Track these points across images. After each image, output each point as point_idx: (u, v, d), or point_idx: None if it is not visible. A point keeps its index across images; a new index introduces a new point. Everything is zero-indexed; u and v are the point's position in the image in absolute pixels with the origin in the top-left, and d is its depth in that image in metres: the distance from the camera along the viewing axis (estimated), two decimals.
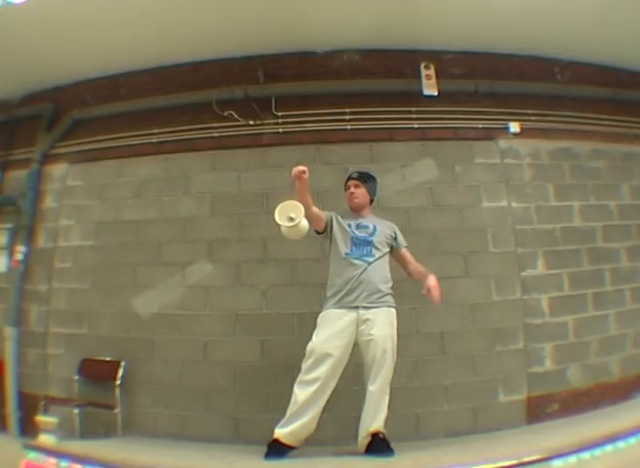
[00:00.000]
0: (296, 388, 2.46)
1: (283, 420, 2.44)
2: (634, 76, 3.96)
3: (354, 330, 2.50)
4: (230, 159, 3.53)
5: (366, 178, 2.80)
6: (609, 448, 2.00)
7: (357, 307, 2.52)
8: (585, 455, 1.95)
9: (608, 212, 3.61)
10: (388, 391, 2.45)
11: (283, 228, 2.43)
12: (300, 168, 2.43)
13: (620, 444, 2.03)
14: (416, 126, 3.51)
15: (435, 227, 3.35)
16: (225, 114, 3.57)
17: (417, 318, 3.17)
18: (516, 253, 3.36)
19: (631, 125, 3.80)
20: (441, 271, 3.24)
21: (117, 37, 3.40)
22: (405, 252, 2.78)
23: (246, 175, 3.50)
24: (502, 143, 3.56)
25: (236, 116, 3.57)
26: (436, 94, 3.56)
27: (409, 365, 3.07)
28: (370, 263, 2.59)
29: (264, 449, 2.43)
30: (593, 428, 2.51)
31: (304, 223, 2.43)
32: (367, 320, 2.48)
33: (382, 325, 2.49)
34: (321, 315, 2.60)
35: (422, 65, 3.61)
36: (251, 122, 3.57)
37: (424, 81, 3.58)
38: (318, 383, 2.41)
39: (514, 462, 1.92)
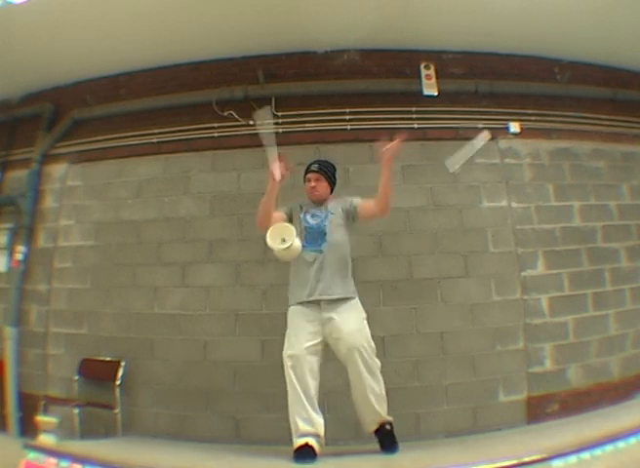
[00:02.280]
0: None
1: (294, 434, 2.34)
2: (634, 76, 3.96)
3: (320, 328, 2.41)
4: (230, 159, 3.53)
5: (327, 170, 2.67)
6: (609, 448, 1.99)
7: (319, 302, 2.43)
8: (585, 455, 1.94)
9: (608, 212, 3.61)
10: (380, 378, 2.37)
11: (276, 250, 2.42)
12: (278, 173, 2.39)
13: (620, 444, 2.02)
14: (416, 126, 3.51)
15: (435, 227, 3.35)
16: (225, 114, 3.58)
17: (417, 318, 3.17)
18: (516, 253, 3.36)
19: (631, 125, 3.80)
20: (441, 271, 3.26)
21: (117, 37, 3.40)
22: (361, 204, 2.58)
23: (246, 175, 3.50)
24: (502, 143, 3.56)
25: (236, 116, 3.57)
26: (436, 94, 3.57)
27: (409, 365, 3.08)
28: (323, 252, 2.47)
29: (264, 449, 2.42)
30: (593, 428, 2.50)
31: (297, 245, 2.41)
32: (331, 318, 2.39)
33: (348, 320, 2.39)
34: (288, 316, 2.53)
35: (422, 65, 3.61)
36: (251, 122, 3.56)
37: (424, 81, 3.58)
38: (296, 390, 2.35)
39: (514, 462, 1.92)
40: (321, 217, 2.58)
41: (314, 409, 2.35)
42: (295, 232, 2.39)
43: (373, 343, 2.41)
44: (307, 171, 2.70)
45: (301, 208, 2.66)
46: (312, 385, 2.36)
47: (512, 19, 3.31)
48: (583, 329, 3.31)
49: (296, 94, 3.59)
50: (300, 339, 2.40)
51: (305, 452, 2.25)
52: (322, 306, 2.43)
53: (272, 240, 2.37)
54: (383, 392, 2.39)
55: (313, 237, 2.53)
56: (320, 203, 2.66)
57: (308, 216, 2.60)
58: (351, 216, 2.61)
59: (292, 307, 2.54)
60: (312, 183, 2.64)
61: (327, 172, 2.68)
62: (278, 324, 3.15)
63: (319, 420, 2.34)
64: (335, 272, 2.47)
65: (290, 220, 2.60)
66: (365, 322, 2.45)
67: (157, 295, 3.39)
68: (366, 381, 2.35)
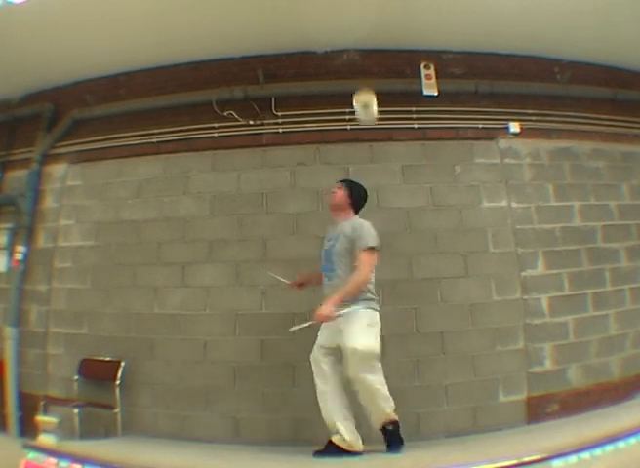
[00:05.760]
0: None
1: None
2: (634, 76, 3.96)
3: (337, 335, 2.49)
4: (230, 159, 3.53)
5: (348, 184, 2.78)
6: (609, 448, 1.99)
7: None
8: (585, 455, 1.94)
9: (608, 212, 3.61)
10: (377, 385, 2.38)
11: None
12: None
13: (620, 444, 2.02)
14: (416, 126, 3.51)
15: (435, 227, 3.35)
16: (225, 114, 3.57)
17: (417, 318, 3.17)
18: (516, 253, 3.36)
19: (631, 125, 3.80)
20: (441, 271, 3.26)
21: (117, 37, 3.40)
22: (359, 254, 2.50)
23: (246, 175, 3.50)
24: (502, 143, 3.56)
25: (236, 116, 3.57)
26: (436, 94, 3.56)
27: (409, 365, 3.08)
28: (334, 276, 2.56)
29: (264, 449, 2.42)
30: (593, 428, 2.50)
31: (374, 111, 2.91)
32: (340, 329, 2.47)
33: (349, 326, 2.44)
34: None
35: (422, 65, 3.60)
36: (251, 122, 3.57)
37: (424, 81, 3.57)
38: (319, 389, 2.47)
39: (514, 462, 1.92)
40: (332, 240, 2.66)
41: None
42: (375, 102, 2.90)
43: (372, 349, 2.41)
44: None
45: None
46: (321, 386, 2.48)
47: (512, 19, 3.30)
48: (583, 329, 3.31)
49: (296, 94, 3.58)
50: (318, 343, 2.56)
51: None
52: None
53: (357, 106, 2.91)
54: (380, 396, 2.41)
55: (327, 260, 2.63)
56: (335, 212, 2.75)
57: (326, 239, 2.72)
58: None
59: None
60: (333, 189, 2.76)
61: (348, 185, 2.77)
62: (278, 324, 3.17)
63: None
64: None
65: None
66: (366, 330, 2.44)
67: (157, 295, 3.39)
68: (363, 382, 2.38)
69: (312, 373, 2.53)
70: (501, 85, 3.66)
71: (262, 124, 3.55)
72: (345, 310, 2.46)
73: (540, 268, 3.36)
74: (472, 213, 3.40)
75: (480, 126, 3.56)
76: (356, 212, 2.74)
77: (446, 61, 3.68)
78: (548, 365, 3.21)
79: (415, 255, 3.29)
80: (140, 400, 3.24)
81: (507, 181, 3.49)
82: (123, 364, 3.24)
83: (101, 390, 3.23)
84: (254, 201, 3.44)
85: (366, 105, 2.87)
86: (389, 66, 3.63)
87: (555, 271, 3.37)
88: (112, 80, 3.91)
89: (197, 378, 3.20)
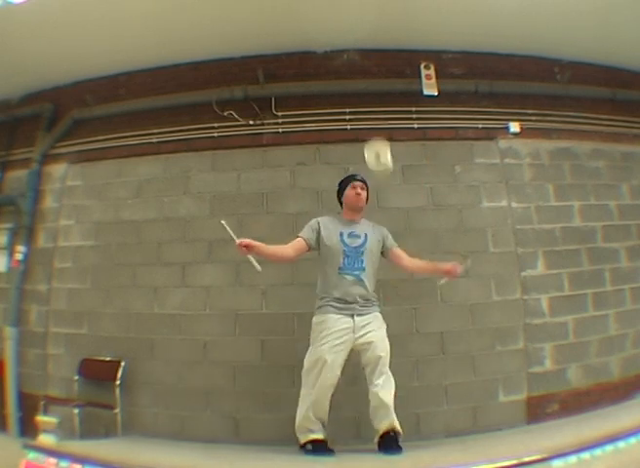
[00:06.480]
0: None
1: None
2: (634, 76, 3.96)
3: (352, 336, 2.50)
4: (230, 159, 3.53)
5: (367, 184, 2.79)
6: (609, 448, 1.99)
7: (353, 315, 2.54)
8: (585, 455, 1.94)
9: (608, 212, 3.61)
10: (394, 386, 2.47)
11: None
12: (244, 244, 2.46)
13: (620, 444, 2.02)
14: (416, 126, 3.51)
15: (435, 227, 3.35)
16: (225, 114, 3.57)
17: (417, 318, 3.17)
18: (516, 253, 3.36)
19: (631, 125, 3.80)
20: None
21: (117, 37, 3.40)
22: (396, 250, 2.76)
23: (246, 175, 3.50)
24: (502, 143, 3.56)
25: (236, 116, 3.57)
26: (436, 94, 3.56)
27: (409, 365, 3.08)
28: (363, 275, 2.60)
29: (264, 449, 2.42)
30: (593, 428, 2.50)
31: (390, 167, 2.73)
32: (364, 326, 2.53)
33: (378, 328, 2.56)
34: (320, 320, 2.56)
35: (422, 65, 3.60)
36: (251, 122, 3.57)
37: (424, 81, 3.58)
38: (317, 388, 2.42)
39: (514, 462, 1.92)
40: (359, 241, 2.65)
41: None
42: (389, 151, 2.67)
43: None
44: (351, 179, 2.79)
45: (333, 225, 2.69)
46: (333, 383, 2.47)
47: (512, 19, 3.31)
48: (583, 329, 3.31)
49: (296, 94, 3.59)
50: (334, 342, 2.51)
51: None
52: (355, 317, 2.54)
53: (369, 156, 2.66)
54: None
55: (351, 259, 2.60)
56: (358, 213, 2.75)
57: (345, 237, 2.64)
58: (385, 253, 2.76)
59: (328, 315, 2.56)
60: (359, 190, 2.73)
61: (367, 185, 2.78)
62: (278, 324, 3.17)
63: None
64: (369, 292, 2.62)
65: (317, 240, 2.66)
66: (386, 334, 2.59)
67: (157, 295, 3.39)
68: (388, 381, 2.45)
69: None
70: (501, 85, 3.66)
71: (262, 124, 3.55)
72: (373, 312, 2.60)
73: (540, 268, 3.36)
74: (472, 213, 3.40)
75: (480, 126, 3.56)
76: None
77: (446, 61, 3.68)
78: (548, 365, 3.21)
79: (415, 255, 3.28)
80: (140, 400, 3.24)
81: (507, 181, 3.49)
82: (123, 364, 3.24)
83: (101, 390, 3.22)
84: (254, 201, 3.44)
85: (378, 155, 2.70)
86: (389, 66, 3.63)
87: (555, 271, 3.37)
88: (112, 80, 3.91)
89: (197, 378, 3.19)
